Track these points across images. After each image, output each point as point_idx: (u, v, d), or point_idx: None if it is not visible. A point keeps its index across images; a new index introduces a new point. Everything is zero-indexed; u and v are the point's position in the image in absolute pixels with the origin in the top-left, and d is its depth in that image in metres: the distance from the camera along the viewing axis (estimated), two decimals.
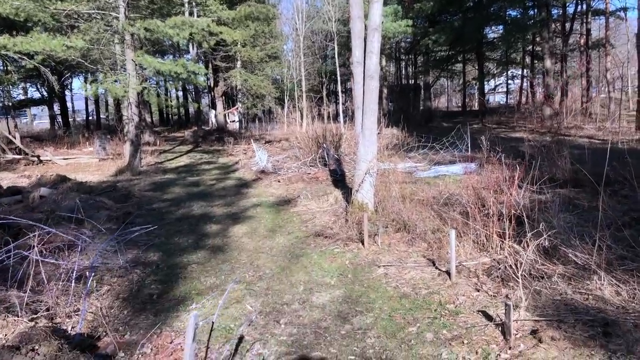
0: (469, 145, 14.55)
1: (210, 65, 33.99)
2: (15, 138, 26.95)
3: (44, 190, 10.12)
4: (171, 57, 28.00)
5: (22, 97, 40.92)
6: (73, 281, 4.80)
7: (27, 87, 42.35)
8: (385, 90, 35.21)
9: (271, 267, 6.16)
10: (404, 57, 40.44)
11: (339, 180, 11.20)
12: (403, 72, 41.73)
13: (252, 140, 17.83)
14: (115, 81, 16.75)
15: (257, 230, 8.04)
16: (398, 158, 13.46)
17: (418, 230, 6.57)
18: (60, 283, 4.87)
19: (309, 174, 12.43)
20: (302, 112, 27.49)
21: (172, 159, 20.32)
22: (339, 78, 28.90)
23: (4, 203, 10.01)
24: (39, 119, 57.99)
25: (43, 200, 9.87)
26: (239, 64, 30.95)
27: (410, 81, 40.23)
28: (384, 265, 5.80)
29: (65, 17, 16.63)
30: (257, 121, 33.51)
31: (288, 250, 6.84)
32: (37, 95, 42.15)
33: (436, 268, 5.57)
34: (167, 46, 28.69)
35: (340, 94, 29.42)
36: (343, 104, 29.09)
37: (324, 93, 37.80)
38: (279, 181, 12.21)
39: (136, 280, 5.82)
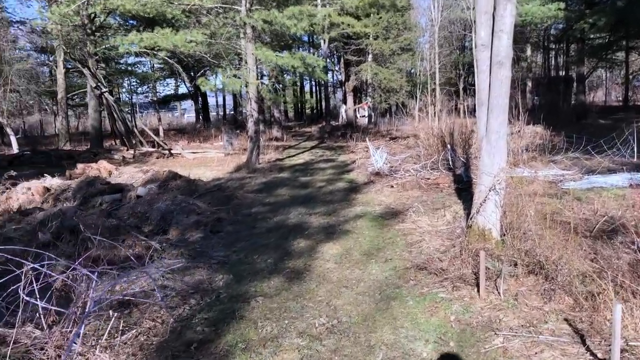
0: (636, 148, 11.64)
1: (341, 60, 33.17)
2: (153, 131, 28.52)
3: (141, 190, 9.70)
4: (300, 51, 27.54)
5: (169, 92, 43.75)
6: (81, 327, 3.81)
7: (178, 83, 45.26)
8: (529, 83, 31.55)
9: (350, 313, 4.72)
10: (553, 46, 36.02)
11: (464, 189, 9.33)
12: (552, 62, 37.22)
13: (367, 139, 16.42)
14: (235, 76, 16.37)
15: (350, 252, 6.62)
16: (539, 163, 11.13)
17: (560, 277, 4.66)
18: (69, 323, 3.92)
19: (428, 179, 10.68)
20: (434, 107, 25.40)
21: (294, 155, 19.66)
22: (476, 70, 26.18)
23: (105, 201, 9.78)
24: (189, 113, 62.23)
25: (139, 201, 9.43)
26: (370, 57, 29.65)
27: (560, 73, 35.69)
28: (504, 334, 4.04)
29: (190, 13, 16.64)
30: (387, 116, 31.95)
31: (379, 288, 5.33)
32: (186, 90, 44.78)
33: (587, 349, 3.68)
34: (290, 40, 28.29)
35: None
36: None
37: (461, 86, 35.00)
38: (392, 186, 10.65)
39: (184, 317, 4.74)
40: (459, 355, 3.82)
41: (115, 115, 23.37)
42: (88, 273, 4.26)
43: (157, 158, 20.45)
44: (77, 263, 4.68)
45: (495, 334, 4.06)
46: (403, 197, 9.68)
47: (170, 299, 5.19)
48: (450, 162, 11.51)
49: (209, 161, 18.44)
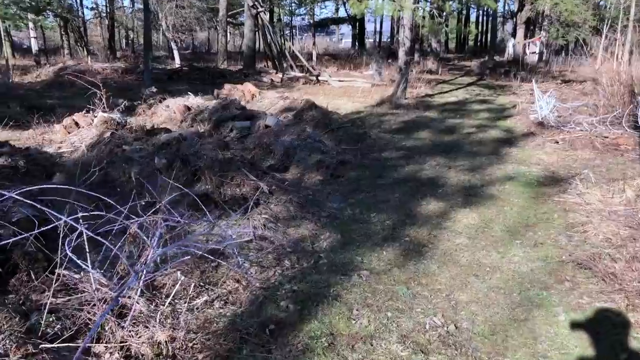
0: None
1: None
2: (306, 55, 28.14)
3: (270, 120, 9.13)
4: None
5: (327, 15, 42.94)
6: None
7: (338, 5, 44.18)
8: None
9: (475, 317, 3.60)
10: None
11: None
12: None
13: (534, 79, 14.04)
14: None
15: (490, 225, 5.35)
16: None
17: None
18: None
19: (606, 137, 8.61)
20: (624, 47, 21.28)
21: (446, 92, 17.88)
22: None
23: (235, 127, 9.42)
24: (346, 38, 61.16)
25: (267, 131, 8.89)
26: None
27: None
28: None
29: None
30: (562, 54, 27.86)
31: (519, 284, 4.08)
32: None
33: None
34: None
35: None
36: None
37: None
38: (556, 142, 8.79)
39: (271, 284, 4.01)
40: None
41: (269, 37, 23.24)
42: (156, 218, 3.66)
43: (304, 84, 20.03)
44: (159, 205, 4.14)
45: None
46: (569, 157, 7.88)
47: (264, 255, 4.50)
48: (639, 119, 9.19)
49: (353, 91, 17.50)
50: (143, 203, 4.45)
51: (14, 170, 5.09)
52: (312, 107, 11.20)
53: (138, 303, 3.33)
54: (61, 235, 3.13)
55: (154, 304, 3.45)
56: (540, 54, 28.73)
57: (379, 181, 6.95)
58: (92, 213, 3.33)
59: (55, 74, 19.22)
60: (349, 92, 17.39)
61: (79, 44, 31.98)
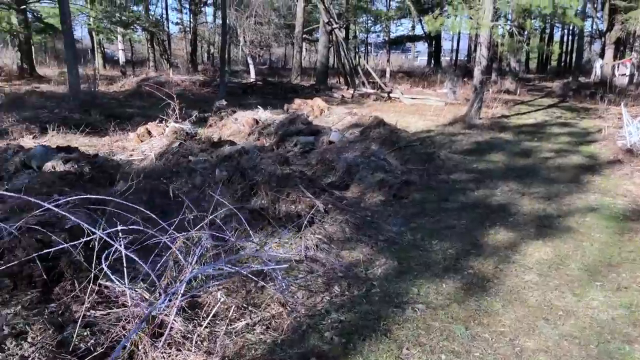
0: None
1: (606, 4, 27.70)
2: (379, 72, 27.95)
3: (334, 135, 8.95)
4: None
5: (402, 33, 42.58)
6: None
7: (414, 23, 43.75)
8: None
9: None
10: None
11: None
12: None
13: (623, 103, 12.96)
14: (467, 16, 14.34)
15: (566, 262, 4.83)
16: None
17: None
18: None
19: None
20: None
21: (524, 113, 17.00)
22: None
23: (299, 142, 9.31)
24: (422, 56, 60.34)
25: (330, 147, 8.71)
26: None
27: None
28: None
29: None
30: None
31: (598, 334, 3.59)
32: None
33: None
34: None
35: None
36: None
37: None
38: None
39: (317, 311, 3.76)
40: None
41: (342, 54, 23.25)
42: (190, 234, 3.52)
43: (375, 100, 19.79)
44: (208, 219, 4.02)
45: None
46: None
47: (313, 278, 4.26)
48: None
49: (425, 109, 17.06)
50: (191, 217, 4.35)
51: (78, 176, 5.18)
52: (379, 124, 10.92)
53: (175, 322, 3.20)
54: (96, 249, 3.05)
55: (192, 324, 3.30)
56: (631, 76, 26.83)
57: (445, 205, 6.54)
58: (131, 227, 3.22)
59: (137, 85, 20.15)
60: (420, 110, 16.96)
61: (163, 56, 33.52)
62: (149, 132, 10.04)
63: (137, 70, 29.19)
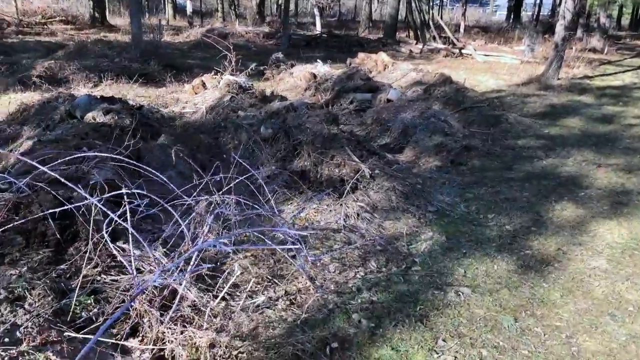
0: None
1: None
2: (453, 27, 26.46)
3: (393, 93, 8.37)
4: None
5: None
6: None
7: None
8: None
9: None
10: None
11: None
12: None
13: None
14: None
15: None
16: None
17: None
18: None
19: None
20: None
21: (609, 74, 15.46)
22: None
23: (356, 99, 8.82)
24: (501, 10, 56.70)
25: (387, 105, 8.17)
26: None
27: None
28: None
29: None
30: None
31: None
32: None
33: None
34: None
35: None
36: None
37: None
38: None
39: (347, 289, 3.42)
40: None
41: (413, 5, 22.05)
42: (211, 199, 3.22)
43: (445, 56, 18.70)
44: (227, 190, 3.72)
45: None
46: None
47: (350, 250, 3.91)
48: None
49: (498, 67, 15.91)
50: (230, 177, 4.04)
51: (112, 129, 5.02)
52: (445, 82, 10.20)
53: (189, 292, 2.96)
54: (125, 207, 2.82)
55: (208, 296, 3.05)
56: None
57: (507, 174, 5.93)
58: (133, 191, 2.95)
59: (202, 36, 20.05)
60: (493, 68, 15.85)
61: (231, 7, 33.31)
62: (204, 84, 9.86)
63: (205, 21, 29.16)
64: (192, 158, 5.86)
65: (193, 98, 9.50)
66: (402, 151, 6.70)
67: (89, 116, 5.47)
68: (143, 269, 3.15)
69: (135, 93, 9.57)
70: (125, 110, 5.72)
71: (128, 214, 2.76)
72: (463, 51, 19.06)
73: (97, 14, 23.85)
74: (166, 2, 31.65)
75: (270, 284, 3.38)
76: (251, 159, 5.95)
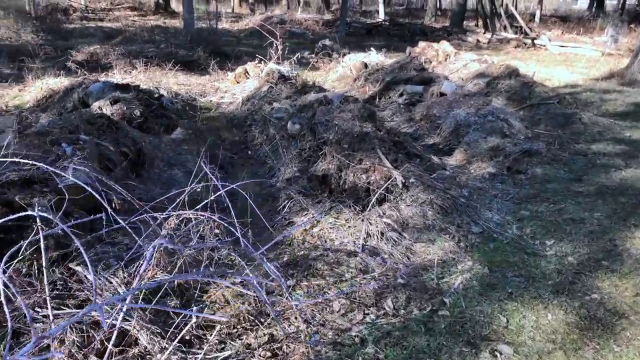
0: None
1: None
2: (528, 16, 24.70)
3: (447, 87, 7.43)
4: None
5: None
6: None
7: None
8: None
9: None
10: None
11: None
12: None
13: None
14: None
15: None
16: None
17: None
18: None
19: None
20: None
21: None
22: None
23: (406, 92, 7.97)
24: None
25: (440, 99, 7.27)
26: None
27: None
28: None
29: None
30: None
31: None
32: None
33: None
34: None
35: None
36: None
37: None
38: None
39: (345, 342, 2.68)
40: None
41: None
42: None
43: (515, 47, 17.28)
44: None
45: None
46: None
47: (363, 282, 3.16)
48: None
49: (575, 60, 14.44)
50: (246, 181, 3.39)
51: (119, 120, 4.49)
52: (511, 75, 9.10)
53: (139, 338, 2.33)
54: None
55: (166, 342, 2.41)
56: None
57: (575, 187, 4.93)
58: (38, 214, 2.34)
59: (260, 23, 19.65)
60: (569, 61, 14.40)
61: None
62: (247, 73, 9.32)
63: (270, 8, 28.82)
64: (211, 155, 5.28)
65: (233, 87, 8.98)
66: (451, 153, 5.83)
67: (95, 105, 4.99)
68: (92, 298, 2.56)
69: (175, 81, 9.16)
70: (138, 99, 5.20)
71: (41, 236, 2.15)
72: (536, 41, 17.56)
73: (161, 1, 24.01)
74: None
75: (253, 325, 2.70)
76: (275, 158, 5.30)
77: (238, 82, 9.16)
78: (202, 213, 2.72)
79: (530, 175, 5.19)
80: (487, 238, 3.84)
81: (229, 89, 8.93)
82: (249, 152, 5.89)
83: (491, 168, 5.28)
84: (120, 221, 2.50)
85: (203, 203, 2.94)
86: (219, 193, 2.83)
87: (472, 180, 4.96)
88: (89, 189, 2.65)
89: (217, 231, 2.91)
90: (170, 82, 8.84)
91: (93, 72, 8.88)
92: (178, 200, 2.97)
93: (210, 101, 8.31)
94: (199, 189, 2.93)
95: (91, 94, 5.48)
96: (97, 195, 2.43)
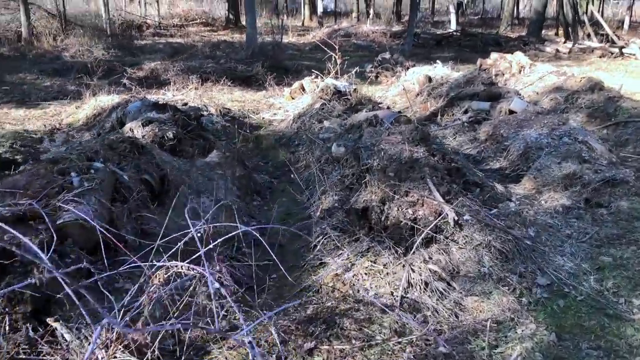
0: None
1: None
2: (615, 23, 22.98)
3: (517, 104, 6.65)
4: None
5: None
6: None
7: None
8: None
9: None
10: None
11: None
12: None
13: None
14: None
15: None
16: None
17: None
18: None
19: None
20: None
21: None
22: None
23: (472, 108, 7.28)
24: None
25: (508, 118, 6.53)
26: None
27: None
28: None
29: None
30: None
31: None
32: None
33: None
34: None
35: None
36: None
37: None
38: None
39: None
40: None
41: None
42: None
43: (600, 57, 15.89)
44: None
45: None
46: None
47: (397, 347, 2.61)
48: None
49: None
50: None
51: (149, 144, 4.20)
52: (593, 88, 8.20)
53: None
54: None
55: None
56: None
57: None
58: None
59: (327, 36, 19.39)
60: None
61: (367, 7, 32.49)
62: (303, 89, 8.96)
63: (339, 20, 28.61)
64: (248, 179, 4.91)
65: (288, 103, 8.65)
66: (518, 180, 5.12)
67: (127, 127, 4.75)
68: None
69: (230, 97, 8.96)
70: (174, 120, 4.91)
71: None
72: (624, 50, 16.06)
73: (231, 15, 24.40)
74: (303, 3, 31.68)
75: None
76: (316, 184, 4.84)
77: (293, 98, 8.82)
78: (195, 266, 2.28)
79: (614, 210, 4.37)
80: (556, 293, 3.15)
81: (283, 105, 8.61)
82: (292, 175, 5.47)
83: (565, 200, 4.53)
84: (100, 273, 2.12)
85: (195, 256, 2.48)
86: (233, 233, 2.39)
87: (542, 215, 4.25)
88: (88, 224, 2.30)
89: (216, 285, 2.46)
90: (224, 98, 8.65)
91: (150, 88, 8.84)
92: (180, 242, 2.56)
93: (263, 118, 8.01)
94: (200, 233, 2.50)
95: (129, 114, 5.29)
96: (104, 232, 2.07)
